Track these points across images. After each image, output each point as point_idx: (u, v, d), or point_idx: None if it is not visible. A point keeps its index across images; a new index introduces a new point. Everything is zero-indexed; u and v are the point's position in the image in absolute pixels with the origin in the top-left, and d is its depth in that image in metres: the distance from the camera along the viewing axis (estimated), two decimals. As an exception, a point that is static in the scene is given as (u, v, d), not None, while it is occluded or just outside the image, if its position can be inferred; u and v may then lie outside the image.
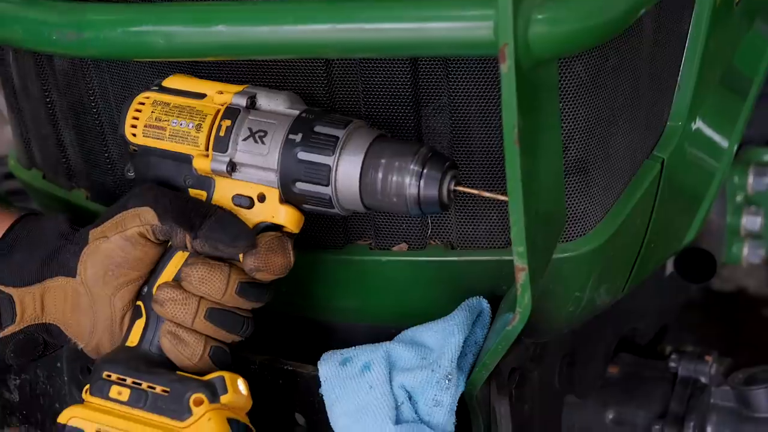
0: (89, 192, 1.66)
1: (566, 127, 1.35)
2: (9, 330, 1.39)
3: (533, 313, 1.26)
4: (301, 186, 1.30)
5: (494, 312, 1.43)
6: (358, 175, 1.28)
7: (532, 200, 1.20)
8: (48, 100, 1.63)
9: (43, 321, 1.40)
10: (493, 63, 1.31)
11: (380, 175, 1.27)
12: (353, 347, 1.40)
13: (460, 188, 1.27)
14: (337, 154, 1.28)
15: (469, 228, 1.44)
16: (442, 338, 1.38)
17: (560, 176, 1.33)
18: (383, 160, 1.27)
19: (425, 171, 1.26)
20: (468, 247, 1.45)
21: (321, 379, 1.39)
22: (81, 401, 1.37)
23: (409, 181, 1.26)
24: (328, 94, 1.39)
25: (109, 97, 1.54)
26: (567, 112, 1.34)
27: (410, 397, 1.36)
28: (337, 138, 1.28)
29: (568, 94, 1.33)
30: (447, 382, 1.35)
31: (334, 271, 1.50)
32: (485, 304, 1.43)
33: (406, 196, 1.26)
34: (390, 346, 1.39)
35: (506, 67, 1.11)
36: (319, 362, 1.41)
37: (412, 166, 1.26)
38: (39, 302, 1.39)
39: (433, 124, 1.38)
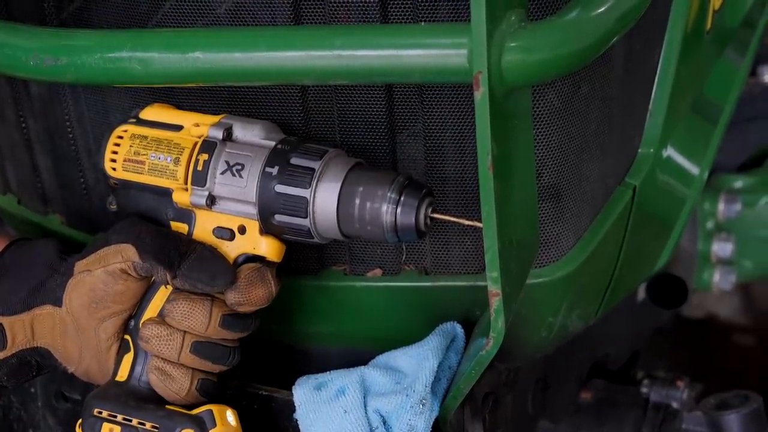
0: (65, 217, 1.65)
1: (539, 153, 1.36)
2: (1, 355, 1.40)
3: (506, 337, 1.27)
4: (279, 218, 1.30)
5: (468, 337, 1.44)
6: (335, 206, 1.28)
7: (505, 226, 1.21)
8: (23, 125, 1.63)
9: (35, 345, 1.40)
10: (467, 90, 1.32)
11: (357, 203, 1.27)
12: (328, 372, 1.41)
13: (437, 215, 1.28)
14: (314, 186, 1.28)
15: (443, 253, 1.44)
16: (417, 363, 1.39)
17: (534, 202, 1.35)
18: (360, 188, 1.27)
19: (402, 199, 1.26)
20: (442, 273, 1.46)
21: (296, 404, 1.40)
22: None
23: (385, 209, 1.26)
24: (303, 121, 1.39)
25: (85, 123, 1.54)
26: (540, 139, 1.35)
27: (385, 422, 1.37)
28: (313, 170, 1.29)
29: (541, 121, 1.35)
30: (421, 406, 1.36)
31: (309, 296, 1.51)
32: (459, 329, 1.44)
33: (383, 224, 1.27)
34: (365, 371, 1.39)
35: (480, 95, 1.13)
36: (294, 387, 1.41)
37: (388, 194, 1.26)
38: (29, 328, 1.40)
39: (407, 151, 1.39)
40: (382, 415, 1.36)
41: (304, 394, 1.39)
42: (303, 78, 1.27)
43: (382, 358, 1.42)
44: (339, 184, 1.28)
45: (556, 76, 1.26)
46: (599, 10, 1.19)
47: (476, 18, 1.11)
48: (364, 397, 1.37)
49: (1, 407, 1.74)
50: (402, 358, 1.40)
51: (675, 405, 1.85)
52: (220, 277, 1.33)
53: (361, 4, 1.31)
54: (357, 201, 1.27)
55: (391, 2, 1.30)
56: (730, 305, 3.02)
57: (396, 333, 1.48)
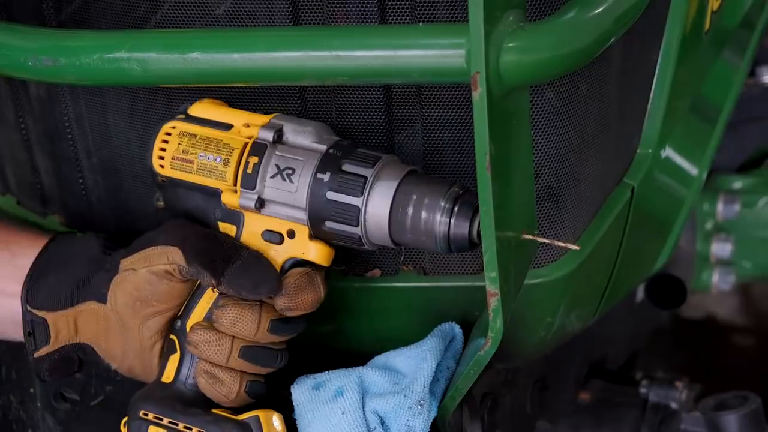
0: (64, 218, 1.66)
1: (538, 153, 1.36)
2: (44, 350, 1.40)
3: (505, 338, 1.27)
4: (330, 225, 1.28)
5: (466, 337, 1.44)
6: (387, 215, 1.26)
7: (504, 226, 1.21)
8: (22, 126, 1.63)
9: (78, 341, 1.40)
10: (465, 90, 1.33)
11: (410, 212, 1.25)
12: (326, 372, 1.40)
13: None
14: (366, 195, 1.26)
15: (441, 254, 1.44)
16: (415, 363, 1.39)
17: (532, 202, 1.35)
18: (414, 197, 1.25)
19: (456, 209, 1.24)
20: (440, 273, 1.46)
21: (294, 404, 1.40)
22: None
23: (439, 219, 1.24)
24: (302, 121, 1.40)
25: (84, 124, 1.54)
26: (538, 139, 1.36)
27: (383, 423, 1.37)
28: (366, 178, 1.26)
29: (540, 121, 1.35)
30: (419, 407, 1.36)
31: (308, 296, 1.51)
32: (458, 329, 1.43)
33: (436, 234, 1.25)
34: (363, 371, 1.39)
35: (478, 95, 1.13)
36: (292, 387, 1.41)
37: (442, 204, 1.24)
38: (72, 324, 1.39)
39: (406, 151, 1.39)
40: (380, 416, 1.36)
41: (302, 393, 1.40)
42: (301, 78, 1.27)
43: (380, 359, 1.42)
44: (391, 195, 1.26)
45: (554, 76, 1.26)
46: (597, 11, 1.20)
47: (474, 18, 1.11)
48: (362, 398, 1.37)
49: (1, 407, 1.74)
50: (400, 358, 1.40)
51: (674, 405, 1.85)
52: (264, 286, 1.31)
53: (359, 5, 1.31)
54: (410, 210, 1.25)
55: (389, 3, 1.30)
56: (729, 306, 3.02)
57: (394, 333, 1.49)
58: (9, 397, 1.71)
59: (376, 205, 1.26)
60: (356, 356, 1.45)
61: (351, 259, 1.47)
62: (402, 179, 1.27)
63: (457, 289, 1.45)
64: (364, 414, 1.36)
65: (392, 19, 1.31)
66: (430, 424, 1.36)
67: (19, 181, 1.71)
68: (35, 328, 1.40)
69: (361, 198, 1.26)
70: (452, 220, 1.24)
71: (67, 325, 1.39)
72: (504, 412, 1.57)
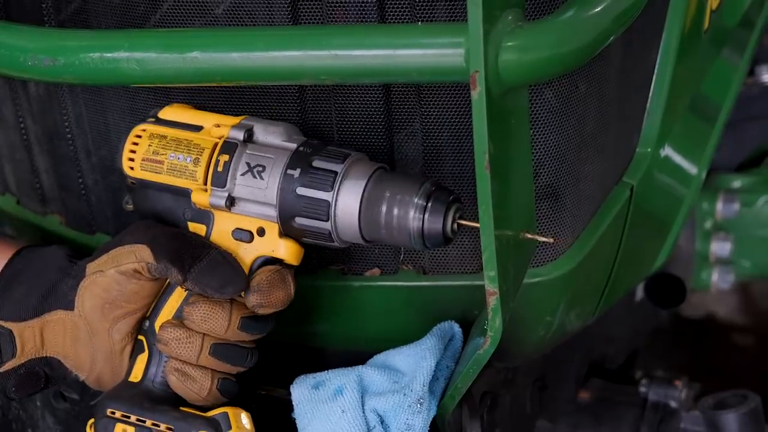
0: (64, 218, 1.66)
1: (537, 153, 1.36)
2: (10, 365, 1.39)
3: (504, 337, 1.27)
4: (300, 221, 1.29)
5: (466, 336, 1.44)
6: (357, 210, 1.27)
7: (503, 225, 1.21)
8: (22, 125, 1.63)
9: (44, 354, 1.39)
10: (464, 89, 1.33)
11: (383, 209, 1.26)
12: (326, 371, 1.41)
13: (464, 222, 1.27)
14: (336, 190, 1.27)
15: (441, 253, 1.44)
16: (414, 362, 1.39)
17: (531, 201, 1.35)
18: (387, 194, 1.26)
19: (429, 205, 1.25)
20: (440, 272, 1.46)
21: (293, 403, 1.40)
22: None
23: (413, 215, 1.25)
24: (301, 120, 1.39)
25: (83, 123, 1.54)
26: (538, 138, 1.36)
27: (382, 421, 1.37)
28: (336, 173, 1.27)
29: (539, 121, 1.35)
30: (419, 406, 1.36)
31: (307, 295, 1.51)
32: (457, 328, 1.44)
33: (410, 230, 1.25)
34: (362, 370, 1.39)
35: (477, 94, 1.13)
36: (291, 386, 1.41)
37: (416, 200, 1.25)
38: (39, 336, 1.39)
39: (405, 150, 1.39)
40: (379, 414, 1.36)
41: (301, 393, 1.40)
42: (300, 78, 1.27)
43: (379, 358, 1.42)
44: (361, 190, 1.27)
45: (553, 75, 1.26)
46: (596, 10, 1.20)
47: (473, 17, 1.11)
48: (362, 397, 1.37)
49: (0, 407, 1.74)
50: (400, 357, 1.41)
51: (673, 404, 1.85)
52: (229, 285, 1.31)
53: (358, 4, 1.31)
54: (383, 207, 1.26)
55: (389, 2, 1.30)
56: (728, 305, 3.02)
57: (394, 332, 1.49)
58: (8, 396, 1.71)
59: (347, 200, 1.27)
60: (355, 355, 1.45)
61: (350, 258, 1.47)
62: (372, 174, 1.28)
63: (456, 288, 1.45)
64: (363, 412, 1.36)
65: (391, 19, 1.31)
66: (429, 422, 1.36)
67: (19, 181, 1.71)
68: (1, 340, 1.39)
69: (332, 192, 1.27)
70: (426, 216, 1.25)
71: (34, 337, 1.38)
72: (503, 411, 1.57)
